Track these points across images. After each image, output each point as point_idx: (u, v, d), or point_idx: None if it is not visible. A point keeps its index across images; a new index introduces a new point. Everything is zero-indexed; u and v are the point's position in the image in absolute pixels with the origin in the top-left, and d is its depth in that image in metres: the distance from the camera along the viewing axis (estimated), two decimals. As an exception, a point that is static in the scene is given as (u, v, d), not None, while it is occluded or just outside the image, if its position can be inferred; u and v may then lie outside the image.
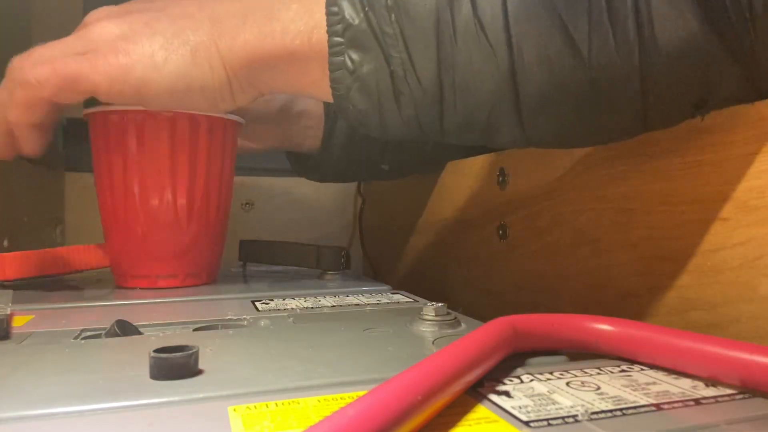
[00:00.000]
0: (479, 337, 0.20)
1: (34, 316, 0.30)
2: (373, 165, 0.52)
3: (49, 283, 0.42)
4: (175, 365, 0.20)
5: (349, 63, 0.28)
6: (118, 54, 0.31)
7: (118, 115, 0.39)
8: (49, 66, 0.32)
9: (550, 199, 0.40)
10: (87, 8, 0.68)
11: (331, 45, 0.28)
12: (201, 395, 0.18)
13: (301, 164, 0.55)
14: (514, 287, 0.45)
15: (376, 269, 0.74)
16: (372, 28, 0.27)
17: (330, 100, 0.30)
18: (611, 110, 0.27)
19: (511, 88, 0.26)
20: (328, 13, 0.28)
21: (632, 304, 0.34)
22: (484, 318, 0.28)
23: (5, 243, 0.50)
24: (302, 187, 0.78)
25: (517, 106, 0.27)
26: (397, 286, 0.40)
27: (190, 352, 0.20)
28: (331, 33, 0.28)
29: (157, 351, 0.20)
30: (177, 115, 0.39)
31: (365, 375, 0.20)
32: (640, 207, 0.33)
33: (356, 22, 0.27)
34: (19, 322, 0.29)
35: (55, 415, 0.17)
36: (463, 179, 0.51)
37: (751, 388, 0.19)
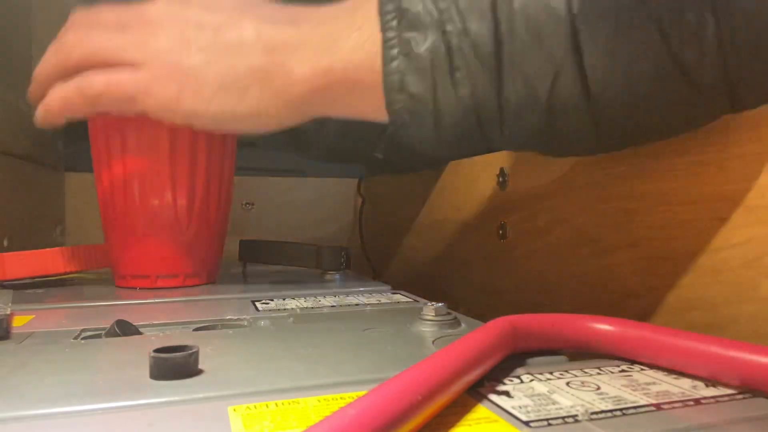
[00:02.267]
0: (479, 337, 0.20)
1: (34, 316, 0.30)
2: (367, 146, 0.48)
3: (49, 283, 0.42)
4: (175, 365, 0.20)
5: (403, 47, 0.27)
6: (171, 81, 0.31)
7: (117, 116, 0.39)
8: (105, 82, 0.33)
9: (550, 199, 0.40)
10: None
11: (385, 40, 0.27)
12: (201, 395, 0.18)
13: (294, 140, 0.52)
14: (514, 287, 0.45)
15: (376, 269, 0.74)
16: (426, 7, 0.26)
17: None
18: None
19: (575, 48, 0.24)
20: (382, 12, 0.27)
21: (632, 304, 0.34)
22: (484, 318, 0.28)
23: (5, 243, 0.50)
24: (302, 187, 0.78)
25: (582, 72, 0.25)
26: (397, 286, 0.40)
27: (190, 352, 0.20)
28: (385, 30, 0.27)
29: (157, 351, 0.20)
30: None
31: (365, 375, 0.20)
32: (641, 207, 0.33)
33: (411, 7, 0.26)
34: (19, 322, 0.29)
35: (56, 415, 0.17)
36: (463, 179, 0.51)
37: (751, 387, 0.19)
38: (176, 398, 0.18)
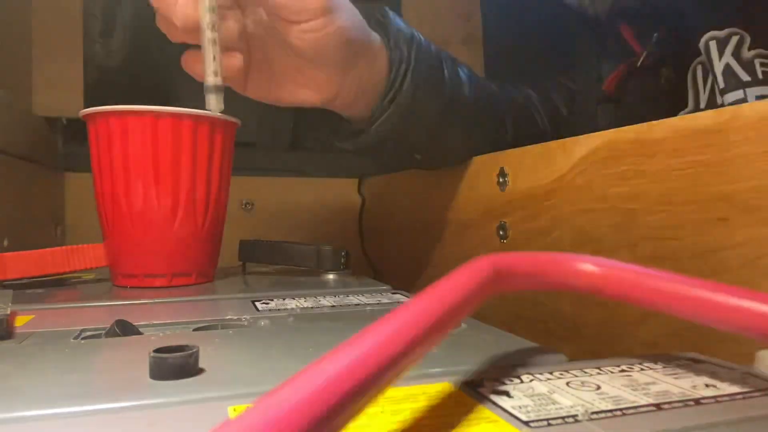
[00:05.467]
0: (460, 280, 0.19)
1: (34, 316, 0.30)
2: (412, 150, 0.49)
3: (49, 283, 0.42)
4: (175, 365, 0.20)
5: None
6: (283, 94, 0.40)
7: (103, 116, 0.40)
8: (241, 84, 0.38)
9: (549, 200, 0.40)
10: (87, 8, 0.69)
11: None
12: (201, 395, 0.18)
13: (335, 128, 0.49)
14: (514, 287, 0.45)
15: (376, 269, 0.74)
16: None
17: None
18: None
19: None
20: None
21: (631, 307, 0.34)
22: (484, 317, 0.28)
23: (5, 243, 0.50)
24: (303, 187, 0.78)
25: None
26: (397, 287, 0.40)
27: (190, 352, 0.20)
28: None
29: (157, 351, 0.20)
30: (161, 116, 0.40)
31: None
32: (641, 207, 0.33)
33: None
34: (19, 322, 0.29)
35: (56, 415, 0.17)
36: (462, 179, 0.51)
37: (733, 331, 0.18)
38: (176, 399, 0.18)
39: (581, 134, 0.38)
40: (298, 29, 0.34)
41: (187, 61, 0.36)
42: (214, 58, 0.34)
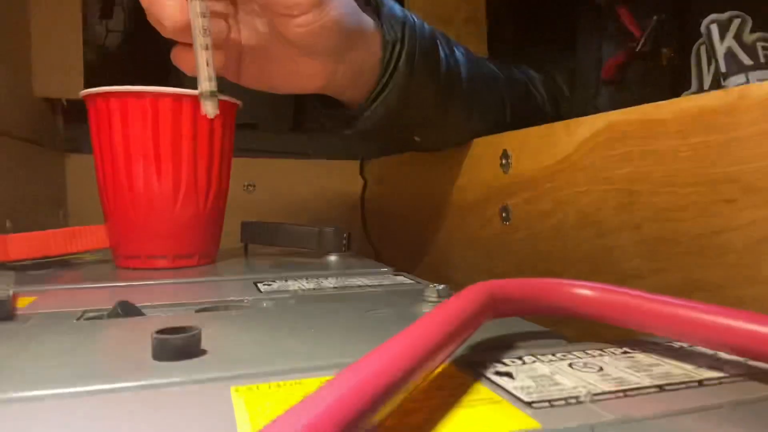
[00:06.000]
0: (458, 305, 0.19)
1: (36, 297, 0.30)
2: (410, 133, 0.49)
3: (51, 264, 0.42)
4: (177, 346, 0.20)
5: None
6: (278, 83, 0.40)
7: (103, 98, 0.40)
8: (235, 73, 0.38)
9: (553, 181, 0.40)
10: (87, 8, 0.68)
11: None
12: (203, 376, 0.18)
13: (332, 114, 0.48)
14: (516, 270, 0.45)
15: (378, 251, 0.74)
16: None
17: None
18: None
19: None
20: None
21: (636, 286, 0.33)
22: None
23: (8, 224, 0.50)
24: (305, 168, 0.78)
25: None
26: (399, 269, 0.40)
27: (193, 333, 0.20)
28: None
29: (159, 332, 0.20)
30: (161, 97, 0.39)
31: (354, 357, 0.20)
32: (645, 189, 0.33)
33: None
34: (21, 303, 0.29)
35: (58, 396, 0.17)
36: (465, 161, 0.51)
37: (732, 353, 0.18)
38: (178, 379, 0.18)
39: (582, 116, 0.37)
40: (292, 23, 0.34)
41: (177, 57, 0.35)
42: (207, 63, 0.33)
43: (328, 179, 0.78)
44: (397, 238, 0.69)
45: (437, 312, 0.18)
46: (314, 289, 0.33)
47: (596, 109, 0.55)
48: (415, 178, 0.62)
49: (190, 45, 0.34)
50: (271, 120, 0.79)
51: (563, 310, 0.22)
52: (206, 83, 0.34)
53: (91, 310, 0.27)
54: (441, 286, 0.27)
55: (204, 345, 0.20)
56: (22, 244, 0.41)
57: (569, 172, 0.38)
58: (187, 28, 0.33)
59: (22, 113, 0.58)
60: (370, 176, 0.78)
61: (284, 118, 0.82)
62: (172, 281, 0.37)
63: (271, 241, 0.50)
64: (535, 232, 0.42)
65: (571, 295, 0.22)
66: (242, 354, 0.20)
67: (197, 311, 0.28)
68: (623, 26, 0.53)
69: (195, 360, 0.20)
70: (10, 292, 0.27)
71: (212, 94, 0.35)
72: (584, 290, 0.21)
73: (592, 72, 0.57)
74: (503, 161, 0.45)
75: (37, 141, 0.61)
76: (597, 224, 0.36)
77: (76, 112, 0.68)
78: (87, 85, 0.41)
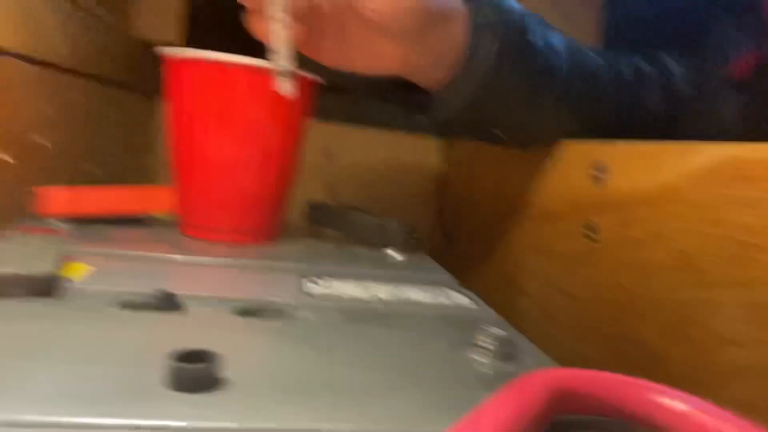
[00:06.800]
0: (512, 407, 0.16)
1: (85, 265, 0.30)
2: (492, 126, 0.45)
3: (119, 221, 0.42)
4: (191, 377, 0.18)
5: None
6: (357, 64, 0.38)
7: (186, 62, 0.39)
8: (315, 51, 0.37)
9: (652, 207, 0.35)
10: None
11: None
12: (209, 425, 0.16)
13: (412, 97, 0.46)
14: (596, 297, 0.40)
15: (450, 239, 0.71)
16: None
17: None
18: None
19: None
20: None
21: (731, 354, 0.29)
22: (556, 319, 0.24)
23: (98, 172, 0.51)
24: (383, 140, 0.75)
25: None
26: (468, 268, 0.37)
27: (209, 364, 0.18)
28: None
29: (175, 358, 0.18)
30: (243, 68, 0.38)
31: (392, 425, 0.18)
32: (764, 243, 0.27)
33: None
34: (72, 271, 0.29)
35: (52, 424, 0.15)
36: (553, 165, 0.46)
37: None
38: (184, 423, 0.16)
39: (703, 128, 0.32)
40: (373, 3, 0.33)
41: (254, 26, 0.33)
42: (285, 41, 0.32)
43: (407, 155, 0.75)
44: (470, 229, 0.65)
45: (476, 418, 0.15)
46: (365, 299, 0.30)
47: (720, 122, 0.48)
48: (499, 169, 0.57)
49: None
50: (366, 87, 0.76)
51: (641, 418, 0.18)
52: (284, 61, 0.33)
53: (132, 294, 0.26)
54: (501, 333, 0.24)
55: (227, 366, 0.19)
56: (92, 199, 0.41)
57: (674, 203, 0.33)
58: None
59: (116, 55, 0.58)
60: (452, 159, 0.74)
61: (380, 84, 0.79)
62: (223, 260, 0.35)
63: (334, 226, 0.48)
64: (623, 262, 0.37)
65: (656, 404, 0.18)
66: (260, 394, 0.18)
67: (233, 312, 0.26)
68: (764, 20, 0.46)
69: (210, 395, 0.18)
70: (52, 268, 0.26)
71: (288, 73, 0.33)
72: (675, 402, 0.17)
73: (720, 73, 0.50)
74: (595, 173, 0.40)
75: (129, 85, 0.61)
76: (696, 272, 0.31)
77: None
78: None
